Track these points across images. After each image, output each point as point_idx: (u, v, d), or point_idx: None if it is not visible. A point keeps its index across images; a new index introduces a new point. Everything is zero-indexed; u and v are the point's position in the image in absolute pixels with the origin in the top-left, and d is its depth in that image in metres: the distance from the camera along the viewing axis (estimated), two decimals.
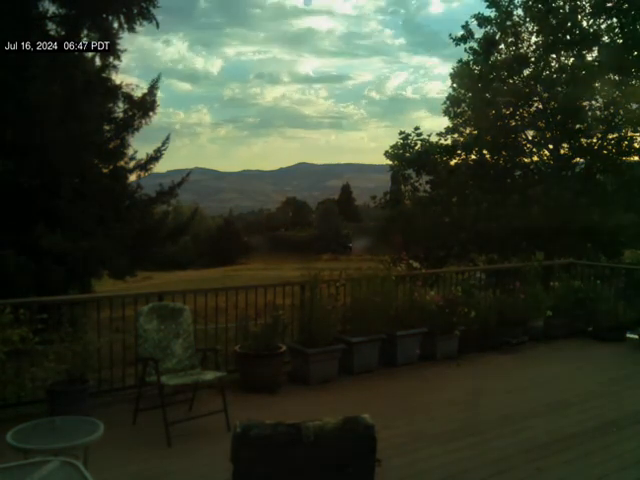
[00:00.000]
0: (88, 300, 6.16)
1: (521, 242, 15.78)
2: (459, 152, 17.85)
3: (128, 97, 13.04)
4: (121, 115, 13.22)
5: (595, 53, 16.35)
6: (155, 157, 13.73)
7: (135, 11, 11.57)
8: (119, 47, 11.96)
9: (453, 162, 17.85)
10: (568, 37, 16.21)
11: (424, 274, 7.53)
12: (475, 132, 17.77)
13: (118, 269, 12.90)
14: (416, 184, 18.17)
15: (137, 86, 13.23)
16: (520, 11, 17.14)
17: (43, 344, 4.84)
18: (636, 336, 7.88)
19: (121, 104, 13.12)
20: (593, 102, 16.51)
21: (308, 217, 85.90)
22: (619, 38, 15.85)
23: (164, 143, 13.96)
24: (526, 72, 17.14)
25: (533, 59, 17.19)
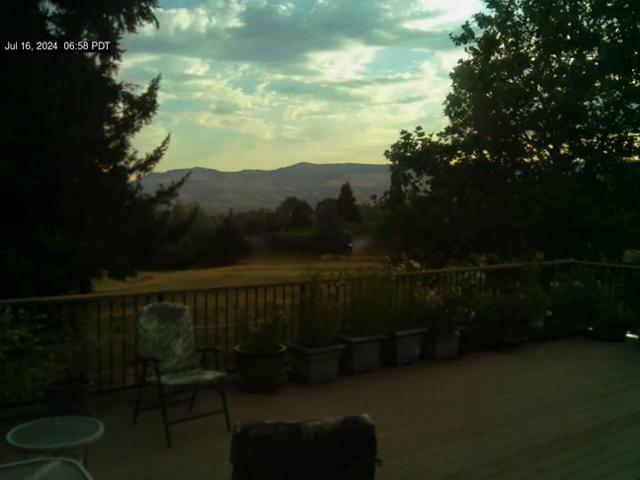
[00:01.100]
0: (88, 300, 6.16)
1: (521, 242, 15.78)
2: (459, 152, 17.84)
3: (128, 97, 13.04)
4: (121, 115, 13.23)
5: (595, 53, 16.34)
6: (155, 157, 13.72)
7: (135, 11, 11.57)
8: (119, 47, 11.96)
9: (453, 162, 17.83)
10: (568, 37, 16.21)
11: (424, 274, 7.53)
12: (475, 132, 17.76)
13: (118, 269, 12.90)
14: (416, 184, 18.16)
15: (137, 86, 13.23)
16: (520, 11, 17.14)
17: (43, 344, 4.84)
18: (636, 336, 7.88)
19: (121, 104, 13.13)
20: (593, 102, 16.50)
21: (308, 217, 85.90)
22: (619, 38, 15.84)
23: (164, 143, 13.97)
24: (526, 72, 17.13)
25: (533, 59, 17.18)
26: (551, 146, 17.25)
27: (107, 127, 13.13)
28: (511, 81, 17.17)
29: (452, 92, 18.35)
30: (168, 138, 14.16)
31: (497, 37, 17.20)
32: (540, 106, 17.16)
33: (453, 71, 18.01)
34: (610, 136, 16.57)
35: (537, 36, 17.01)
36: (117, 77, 12.73)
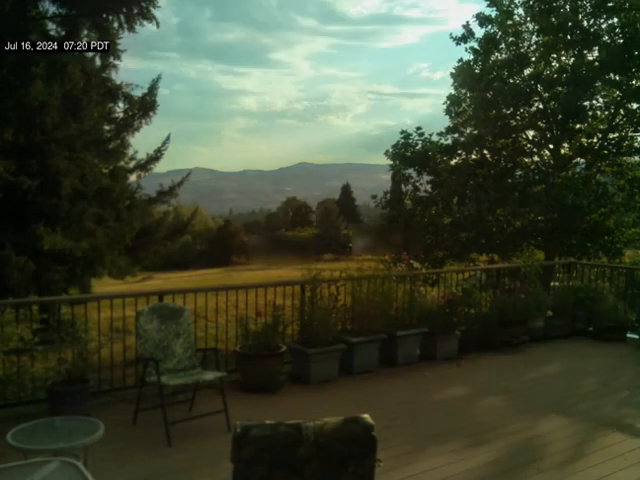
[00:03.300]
0: (88, 300, 6.16)
1: (521, 242, 15.78)
2: (459, 152, 17.82)
3: (128, 97, 13.05)
4: (121, 115, 13.23)
5: (595, 53, 16.33)
6: (155, 157, 13.73)
7: (135, 11, 11.53)
8: (119, 47, 11.95)
9: (453, 162, 17.81)
10: (569, 37, 16.20)
11: (424, 274, 7.53)
12: (475, 132, 17.74)
13: (118, 269, 12.88)
14: (417, 184, 18.14)
15: (137, 86, 13.24)
16: (521, 10, 17.12)
17: (43, 344, 4.85)
18: (636, 336, 7.88)
19: (121, 104, 13.14)
20: (593, 102, 16.50)
21: (308, 217, 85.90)
22: (619, 38, 15.83)
23: (164, 143, 13.97)
24: (527, 72, 17.11)
25: (533, 59, 17.16)
26: (551, 146, 17.23)
27: (107, 127, 13.14)
28: (511, 81, 17.16)
29: (452, 92, 18.35)
30: (168, 138, 14.16)
31: (497, 37, 17.19)
32: (540, 106, 17.14)
33: (453, 71, 18.01)
34: (610, 136, 16.57)
35: (537, 36, 17.00)
36: (117, 77, 12.75)
